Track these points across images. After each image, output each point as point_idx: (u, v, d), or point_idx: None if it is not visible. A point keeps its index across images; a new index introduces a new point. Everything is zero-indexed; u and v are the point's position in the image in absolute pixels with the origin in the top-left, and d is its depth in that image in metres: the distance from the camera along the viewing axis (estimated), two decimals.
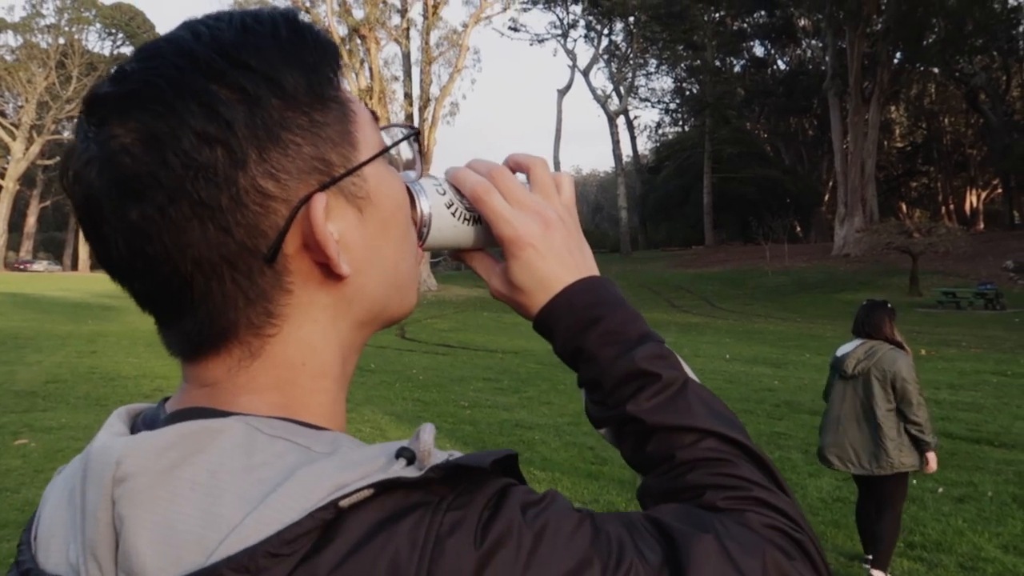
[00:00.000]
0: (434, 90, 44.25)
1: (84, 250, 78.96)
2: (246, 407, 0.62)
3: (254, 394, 0.63)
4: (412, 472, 0.55)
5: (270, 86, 0.59)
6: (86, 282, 51.19)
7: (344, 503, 0.53)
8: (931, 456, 5.34)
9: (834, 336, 23.76)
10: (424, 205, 0.76)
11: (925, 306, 31.57)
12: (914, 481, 7.27)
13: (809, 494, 7.25)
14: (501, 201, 0.77)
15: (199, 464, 0.55)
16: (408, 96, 44.55)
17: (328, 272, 0.63)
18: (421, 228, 0.75)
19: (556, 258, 0.77)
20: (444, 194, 0.78)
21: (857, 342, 5.57)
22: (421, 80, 44.06)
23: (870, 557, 5.39)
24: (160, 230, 0.57)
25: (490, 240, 0.81)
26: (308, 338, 0.64)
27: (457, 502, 0.55)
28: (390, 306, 0.70)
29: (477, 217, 0.79)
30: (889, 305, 5.70)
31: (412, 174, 0.77)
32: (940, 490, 6.90)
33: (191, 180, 0.56)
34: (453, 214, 0.77)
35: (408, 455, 0.57)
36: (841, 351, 5.63)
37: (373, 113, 0.69)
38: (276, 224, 0.59)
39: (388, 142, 0.69)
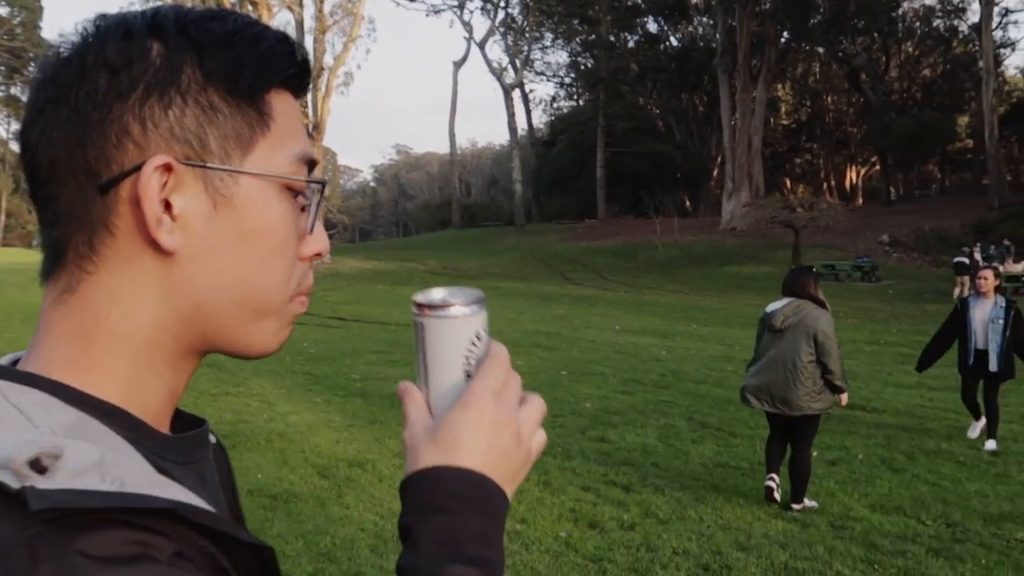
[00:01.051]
0: (328, 59, 43.33)
1: None
2: (35, 360, 0.64)
3: (53, 340, 0.65)
4: (10, 484, 0.51)
5: (193, 57, 0.64)
6: None
7: None
8: (844, 396, 6.42)
9: (720, 307, 24.47)
10: (481, 331, 0.76)
11: None
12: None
13: (691, 460, 7.48)
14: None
15: None
16: None
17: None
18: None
19: (479, 439, 0.69)
20: (480, 340, 0.75)
21: (785, 301, 6.32)
22: (314, 49, 43.02)
23: (772, 480, 6.25)
24: (41, 118, 0.64)
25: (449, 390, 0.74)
26: (119, 292, 0.64)
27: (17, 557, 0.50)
28: (233, 325, 0.67)
29: (471, 375, 0.74)
30: (814, 269, 6.54)
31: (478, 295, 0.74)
32: (815, 454, 7.18)
33: (77, 88, 0.62)
34: (467, 356, 0.75)
35: (40, 465, 0.52)
36: (771, 308, 6.38)
37: (313, 162, 0.70)
38: (122, 163, 0.62)
39: (298, 184, 0.69)
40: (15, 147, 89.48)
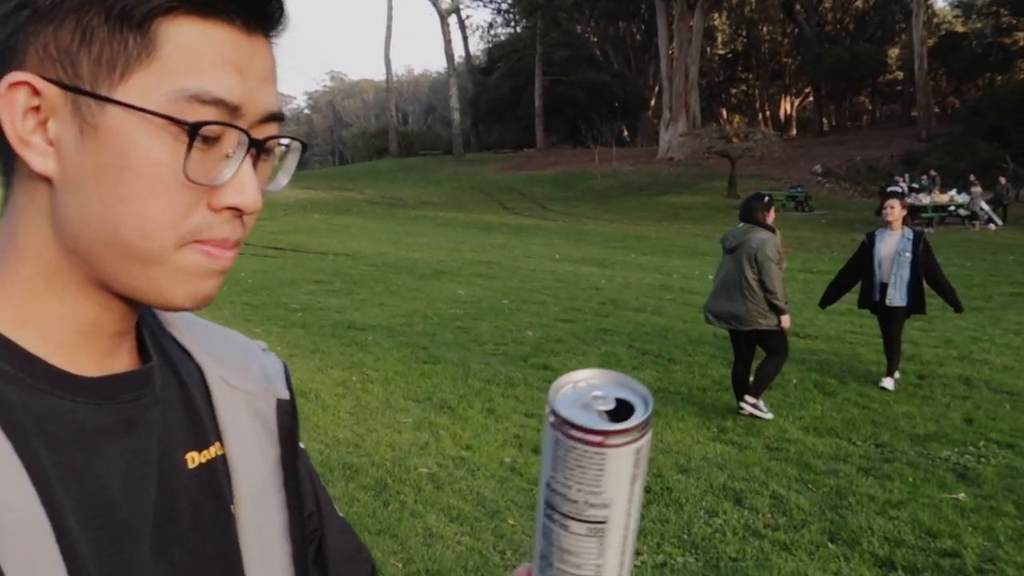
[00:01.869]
0: None
1: None
2: None
3: None
4: None
5: None
6: None
7: None
8: (784, 318, 6.68)
9: (658, 236, 24.73)
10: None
11: None
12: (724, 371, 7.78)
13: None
14: None
15: None
16: None
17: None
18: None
19: None
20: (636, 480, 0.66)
21: (740, 225, 6.86)
22: None
23: (743, 405, 6.65)
24: None
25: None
26: (26, 210, 0.65)
27: None
28: (112, 268, 0.64)
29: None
30: (766, 198, 6.99)
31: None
32: (750, 379, 7.37)
33: None
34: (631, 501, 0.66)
35: None
36: (729, 232, 6.98)
37: (230, 105, 0.63)
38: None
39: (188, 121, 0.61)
40: None
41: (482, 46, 76.11)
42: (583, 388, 0.69)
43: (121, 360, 0.71)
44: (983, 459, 5.75)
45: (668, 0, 49.69)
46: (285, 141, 0.70)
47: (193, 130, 0.61)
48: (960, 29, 61.00)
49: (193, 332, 0.82)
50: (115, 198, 0.62)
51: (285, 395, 0.85)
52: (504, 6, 70.79)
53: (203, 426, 0.76)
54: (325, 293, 12.97)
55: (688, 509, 4.88)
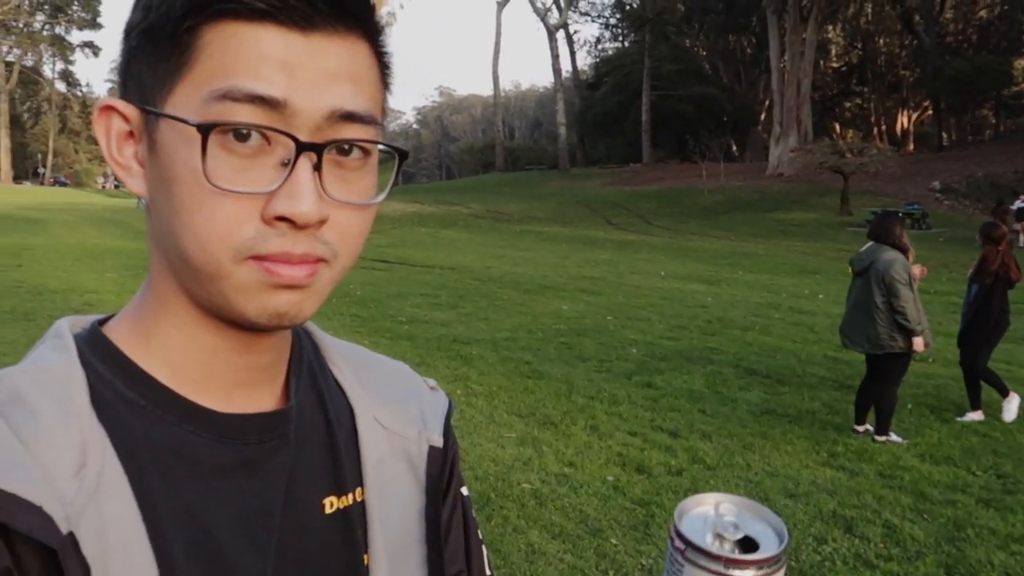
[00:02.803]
0: None
1: (6, 160, 76.04)
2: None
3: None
4: None
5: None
6: (9, 194, 49.50)
7: None
8: (917, 340, 6.51)
9: (766, 254, 24.23)
10: None
11: (855, 225, 32.22)
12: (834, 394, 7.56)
13: (739, 407, 7.49)
14: None
15: None
16: None
17: None
18: None
19: None
20: None
21: (868, 244, 6.79)
22: None
23: (858, 428, 6.70)
24: None
25: None
26: (151, 235, 0.67)
27: None
28: (191, 284, 0.64)
29: None
30: (900, 214, 6.70)
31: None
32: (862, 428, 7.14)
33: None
34: None
35: None
36: (856, 253, 6.91)
37: (268, 100, 0.59)
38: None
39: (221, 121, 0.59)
40: (61, 87, 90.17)
41: (589, 61, 76.21)
42: (713, 515, 0.66)
43: (262, 399, 0.71)
44: None
45: (780, 12, 48.78)
46: (345, 141, 0.62)
47: (202, 131, 0.58)
48: None
49: (354, 368, 0.81)
50: (172, 211, 0.61)
51: (439, 442, 0.81)
52: (612, 21, 70.83)
53: (344, 470, 0.74)
54: (431, 306, 13.15)
55: (796, 536, 4.76)
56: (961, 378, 7.53)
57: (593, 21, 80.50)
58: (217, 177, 0.58)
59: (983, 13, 62.24)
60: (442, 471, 0.81)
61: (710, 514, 0.65)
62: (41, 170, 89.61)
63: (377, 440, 0.77)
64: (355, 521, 0.73)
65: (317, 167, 0.60)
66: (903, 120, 67.05)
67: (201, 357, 0.66)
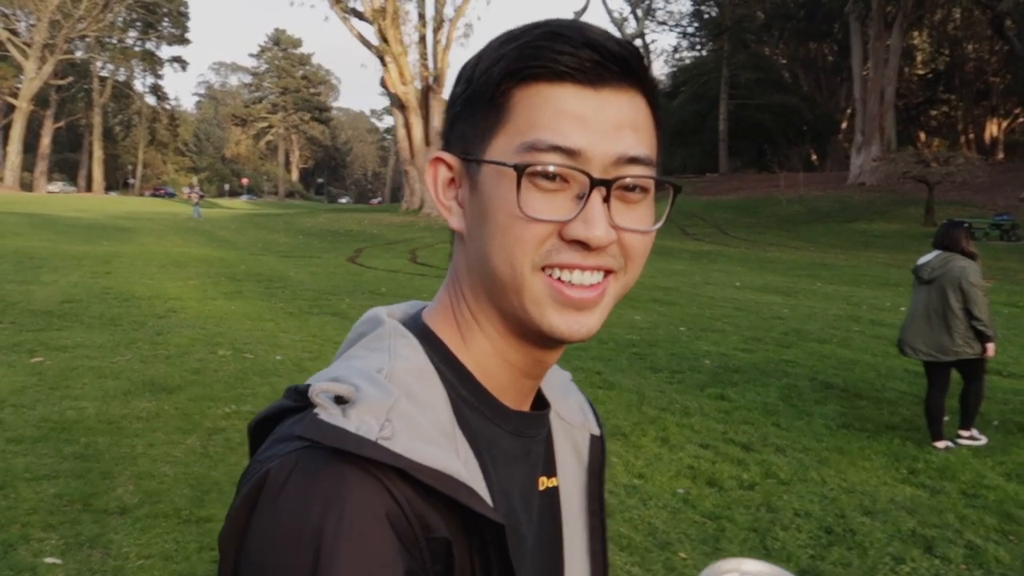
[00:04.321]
0: (448, 11, 43.58)
1: (98, 171, 78.85)
2: (433, 303, 0.85)
3: (443, 285, 0.84)
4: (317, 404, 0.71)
5: (477, 64, 0.77)
6: (100, 203, 51.33)
7: None
8: (990, 346, 6.57)
9: (846, 265, 23.70)
10: None
11: None
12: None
13: (815, 421, 7.30)
14: None
15: None
16: (422, 17, 43.84)
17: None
18: None
19: None
20: None
21: (935, 253, 6.77)
22: (435, 1, 43.32)
23: (938, 444, 6.56)
24: None
25: None
26: (459, 261, 0.82)
27: None
28: (499, 299, 0.77)
29: None
30: (966, 224, 7.09)
31: None
32: (946, 418, 6.92)
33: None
34: None
35: (343, 400, 0.71)
36: (921, 260, 6.85)
37: (569, 151, 0.73)
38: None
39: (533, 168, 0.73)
40: (151, 100, 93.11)
41: (667, 70, 75.62)
42: None
43: (528, 401, 0.85)
44: None
45: (864, 19, 47.81)
46: (629, 181, 0.75)
47: (518, 170, 0.72)
48: None
49: None
50: (487, 236, 0.75)
51: (597, 431, 0.97)
52: (690, 30, 70.23)
53: (551, 456, 0.89)
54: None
55: (872, 554, 4.61)
56: None
57: (671, 30, 79.96)
58: (527, 207, 0.72)
59: None
60: (602, 456, 0.96)
61: None
62: (131, 180, 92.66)
63: (560, 431, 0.91)
64: (556, 499, 0.88)
65: (606, 199, 0.73)
66: (992, 128, 64.98)
67: (505, 367, 0.80)
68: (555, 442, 0.90)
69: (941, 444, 6.56)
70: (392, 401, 0.70)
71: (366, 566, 0.64)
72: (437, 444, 0.70)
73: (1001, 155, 60.49)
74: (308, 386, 0.71)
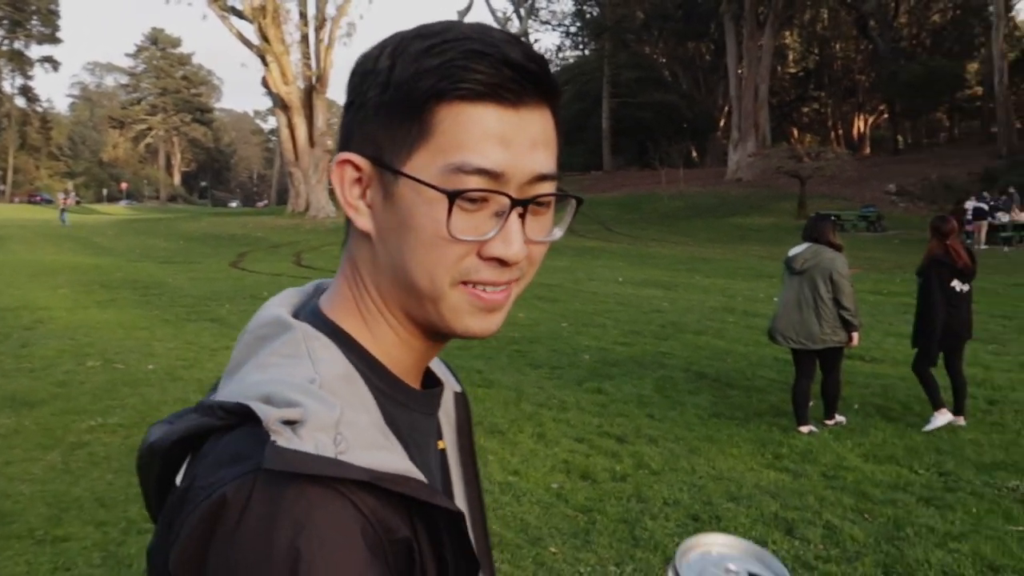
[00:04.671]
0: (330, 9, 42.88)
1: None
2: (330, 298, 0.85)
3: (340, 280, 0.85)
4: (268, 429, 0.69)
5: (390, 75, 0.77)
6: None
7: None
8: (855, 335, 6.92)
9: (724, 259, 24.40)
10: None
11: None
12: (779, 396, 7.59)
13: (687, 411, 7.48)
14: None
15: None
16: (303, 16, 43.02)
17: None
18: None
19: None
20: None
21: (805, 245, 7.01)
22: (317, 0, 42.65)
23: (802, 429, 6.82)
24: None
25: None
26: (361, 256, 0.82)
27: None
28: (412, 304, 0.80)
29: None
30: (832, 217, 6.76)
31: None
32: (812, 403, 7.18)
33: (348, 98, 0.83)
34: None
35: (291, 422, 0.70)
36: (792, 252, 7.07)
37: (493, 173, 0.75)
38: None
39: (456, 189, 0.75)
40: (21, 103, 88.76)
41: (551, 69, 76.33)
42: (714, 556, 0.72)
43: (420, 379, 0.87)
44: None
45: (737, 19, 49.30)
46: (542, 200, 0.79)
47: (451, 197, 0.74)
48: None
49: None
50: (406, 249, 0.77)
51: (459, 388, 1.01)
52: (572, 29, 71.11)
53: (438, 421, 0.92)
54: None
55: None
56: (909, 378, 7.55)
57: (554, 30, 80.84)
58: (456, 230, 0.75)
59: (936, 18, 63.33)
60: (466, 414, 1.00)
61: (711, 554, 0.70)
62: (0, 187, 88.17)
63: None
64: (446, 459, 0.92)
65: (522, 216, 0.77)
66: (859, 124, 67.98)
67: (410, 353, 0.83)
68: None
69: (805, 429, 6.80)
70: (338, 414, 0.70)
71: None
72: (384, 447, 0.72)
73: (868, 150, 63.29)
74: (239, 405, 0.71)
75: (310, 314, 0.83)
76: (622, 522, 4.95)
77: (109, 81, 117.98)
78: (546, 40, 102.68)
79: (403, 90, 0.76)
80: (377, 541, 0.68)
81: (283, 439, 0.67)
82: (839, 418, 7.06)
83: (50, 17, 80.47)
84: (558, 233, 0.84)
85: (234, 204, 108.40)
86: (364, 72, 0.80)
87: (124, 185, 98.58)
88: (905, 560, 4.46)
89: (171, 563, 0.68)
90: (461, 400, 1.00)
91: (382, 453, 0.71)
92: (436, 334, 0.82)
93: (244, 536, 0.65)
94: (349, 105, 0.81)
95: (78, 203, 70.42)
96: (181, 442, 0.74)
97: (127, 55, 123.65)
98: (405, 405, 0.81)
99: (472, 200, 0.75)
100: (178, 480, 0.73)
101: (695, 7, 60.37)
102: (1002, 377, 8.69)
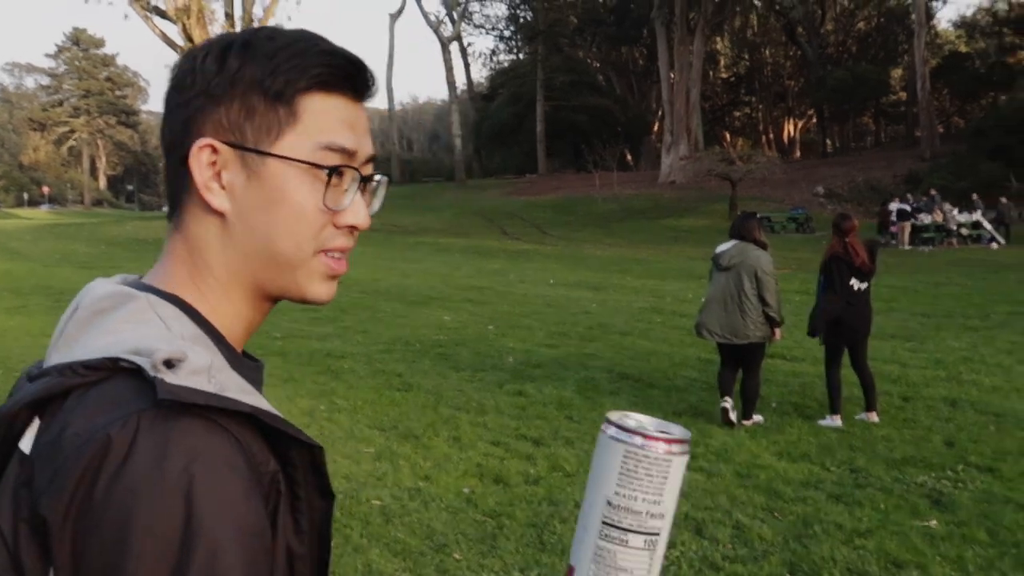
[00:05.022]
0: (257, 10, 42.25)
1: None
2: (161, 277, 0.87)
3: (171, 262, 0.87)
4: (148, 371, 0.72)
5: (246, 69, 0.84)
6: None
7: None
8: (778, 330, 7.12)
9: (655, 260, 24.55)
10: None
11: None
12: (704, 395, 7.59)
13: (606, 411, 7.36)
14: None
15: None
16: (229, 17, 42.26)
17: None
18: None
19: None
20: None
21: (732, 242, 7.13)
22: (243, 0, 41.96)
23: (727, 403, 6.99)
24: (167, 109, 0.89)
25: None
26: (203, 236, 0.86)
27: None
28: (273, 275, 0.86)
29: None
30: (758, 215, 7.77)
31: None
32: (728, 401, 7.17)
33: (173, 90, 0.88)
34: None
35: (170, 363, 0.72)
36: (720, 249, 7.21)
37: (355, 152, 0.87)
38: (188, 144, 0.84)
39: (328, 172, 0.85)
40: None
41: (485, 73, 76.39)
42: (634, 421, 0.81)
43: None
44: (960, 484, 5.53)
45: (668, 24, 49.77)
46: (379, 177, 0.92)
47: (331, 172, 0.84)
48: (963, 49, 60.92)
49: None
50: (275, 222, 0.84)
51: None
52: (507, 33, 71.09)
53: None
54: (309, 321, 12.78)
55: None
56: (823, 375, 7.59)
57: (487, 34, 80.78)
58: (329, 202, 0.85)
59: (861, 25, 64.86)
60: None
61: (634, 417, 0.81)
62: None
63: None
64: None
65: (362, 190, 0.89)
66: (790, 128, 69.29)
67: (242, 325, 0.88)
68: None
69: (728, 404, 7.02)
70: (209, 360, 0.75)
71: (235, 508, 0.69)
72: (251, 392, 0.77)
73: (798, 154, 64.51)
74: (106, 359, 0.74)
75: (147, 289, 0.85)
76: (531, 526, 4.84)
77: (29, 82, 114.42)
78: (480, 44, 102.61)
79: (265, 83, 0.83)
80: (255, 472, 0.72)
81: (172, 376, 0.71)
82: (756, 418, 7.08)
83: None
84: (377, 206, 0.94)
85: (167, 208, 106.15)
86: (192, 69, 0.85)
87: (46, 189, 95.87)
88: (811, 558, 4.43)
89: (46, 509, 0.69)
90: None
91: (251, 396, 0.76)
92: (274, 302, 0.89)
93: (135, 467, 0.68)
94: (183, 99, 0.85)
95: None
96: (32, 405, 0.75)
97: (47, 55, 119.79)
98: (243, 375, 0.83)
99: (339, 175, 0.85)
100: (25, 444, 0.74)
101: (627, 12, 60.81)
102: (917, 374, 8.81)
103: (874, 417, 7.09)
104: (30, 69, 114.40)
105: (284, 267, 0.85)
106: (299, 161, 0.83)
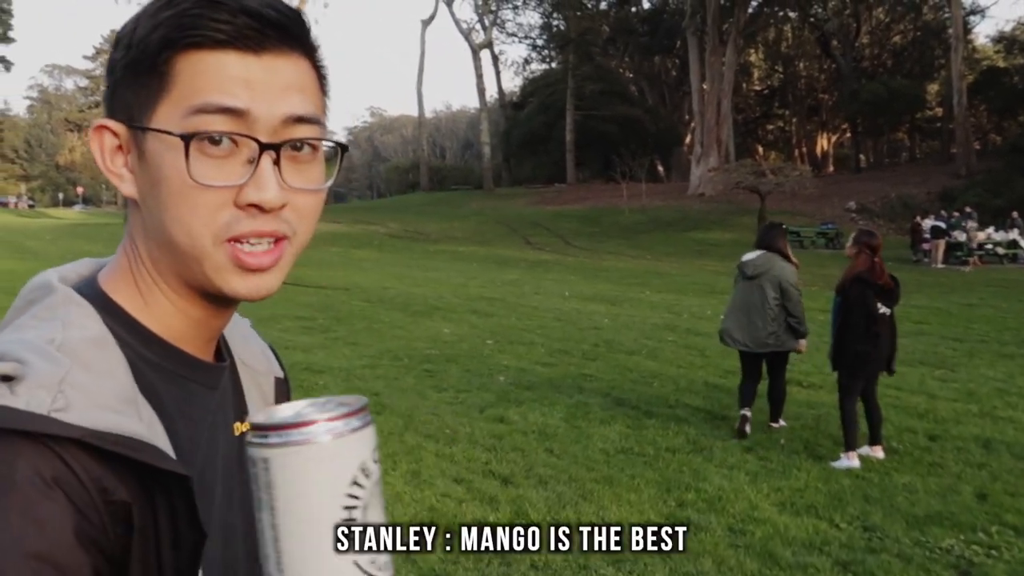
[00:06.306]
0: None
1: None
2: (109, 267, 0.83)
3: (119, 249, 0.83)
4: None
5: (132, 37, 0.76)
6: None
7: None
8: (803, 342, 7.16)
9: (678, 273, 23.67)
10: None
11: None
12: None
13: (592, 445, 6.61)
14: None
15: None
16: None
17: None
18: None
19: None
20: (369, 479, 0.62)
21: (758, 252, 7.21)
22: None
23: (746, 412, 6.93)
24: None
25: None
26: (134, 224, 0.81)
27: None
28: (179, 266, 0.77)
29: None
30: (784, 226, 8.11)
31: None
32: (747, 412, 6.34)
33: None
34: (347, 510, 0.62)
35: (9, 379, 0.67)
36: (746, 257, 7.28)
37: (234, 110, 0.73)
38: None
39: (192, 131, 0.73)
40: None
41: (517, 82, 75.75)
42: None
43: (211, 352, 0.85)
44: (994, 551, 4.68)
45: (700, 34, 48.90)
46: (297, 138, 0.76)
47: (185, 140, 0.72)
48: (1001, 64, 59.30)
49: None
50: (162, 207, 0.75)
51: (281, 374, 0.99)
52: (539, 42, 70.41)
53: (243, 402, 0.90)
54: (300, 330, 12.11)
55: None
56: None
57: (520, 42, 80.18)
58: (198, 175, 0.73)
59: (897, 39, 63.44)
60: (287, 398, 0.97)
61: (282, 407, 0.66)
62: None
63: (246, 377, 0.92)
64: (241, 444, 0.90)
65: (276, 162, 0.75)
66: (823, 142, 67.98)
67: (188, 321, 0.80)
68: (244, 388, 0.91)
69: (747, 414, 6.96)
70: (64, 372, 0.68)
71: (34, 527, 0.64)
72: (116, 410, 0.69)
73: (831, 168, 63.19)
74: None
75: (85, 283, 0.81)
76: None
77: (68, 84, 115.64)
78: (513, 52, 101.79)
79: (141, 47, 0.74)
80: (86, 498, 0.66)
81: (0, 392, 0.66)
82: (783, 422, 7.17)
83: (3, 16, 78.73)
84: (328, 183, 0.81)
85: None
86: (117, 40, 0.77)
87: (80, 189, 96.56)
88: None
89: None
90: (283, 386, 0.98)
91: (108, 414, 0.68)
92: (212, 297, 0.79)
93: None
94: (107, 75, 0.78)
95: (31, 207, 68.77)
96: None
97: (85, 57, 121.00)
98: (178, 375, 0.79)
99: (216, 142, 0.73)
100: None
101: (660, 22, 59.97)
102: (947, 408, 7.93)
103: (879, 452, 6.31)
104: (69, 71, 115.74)
105: (189, 259, 0.76)
106: (157, 131, 0.74)
